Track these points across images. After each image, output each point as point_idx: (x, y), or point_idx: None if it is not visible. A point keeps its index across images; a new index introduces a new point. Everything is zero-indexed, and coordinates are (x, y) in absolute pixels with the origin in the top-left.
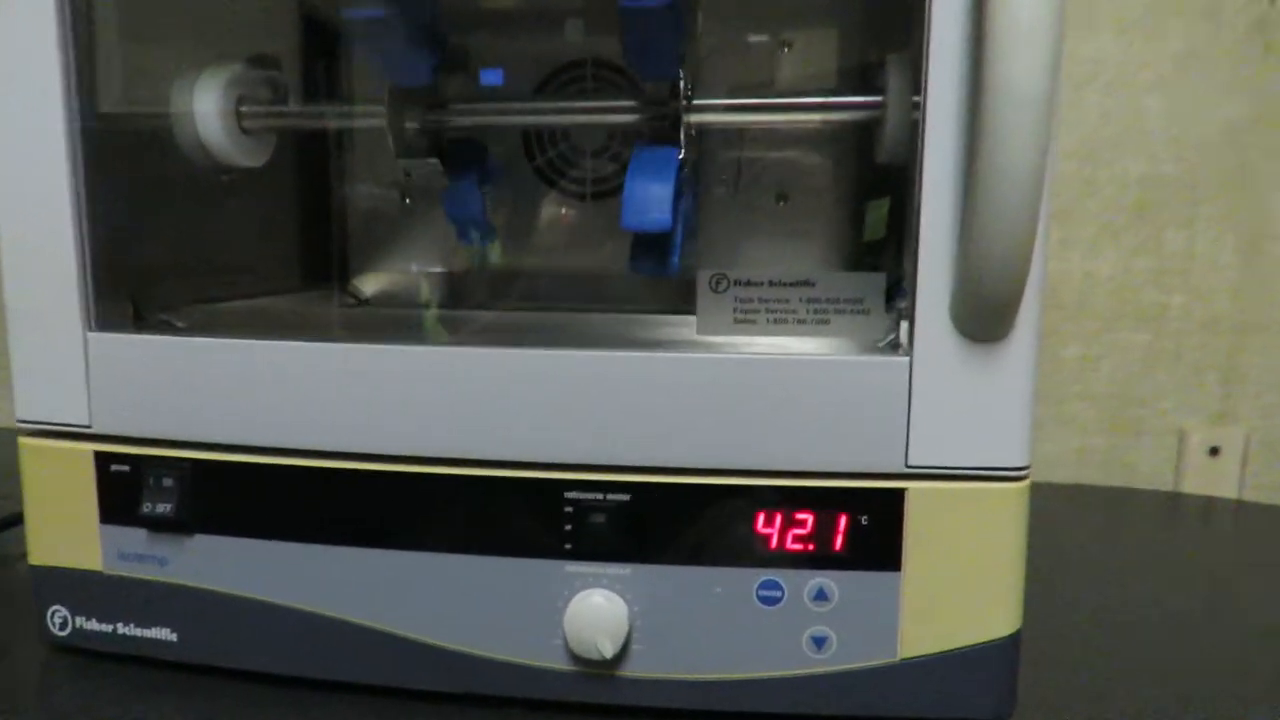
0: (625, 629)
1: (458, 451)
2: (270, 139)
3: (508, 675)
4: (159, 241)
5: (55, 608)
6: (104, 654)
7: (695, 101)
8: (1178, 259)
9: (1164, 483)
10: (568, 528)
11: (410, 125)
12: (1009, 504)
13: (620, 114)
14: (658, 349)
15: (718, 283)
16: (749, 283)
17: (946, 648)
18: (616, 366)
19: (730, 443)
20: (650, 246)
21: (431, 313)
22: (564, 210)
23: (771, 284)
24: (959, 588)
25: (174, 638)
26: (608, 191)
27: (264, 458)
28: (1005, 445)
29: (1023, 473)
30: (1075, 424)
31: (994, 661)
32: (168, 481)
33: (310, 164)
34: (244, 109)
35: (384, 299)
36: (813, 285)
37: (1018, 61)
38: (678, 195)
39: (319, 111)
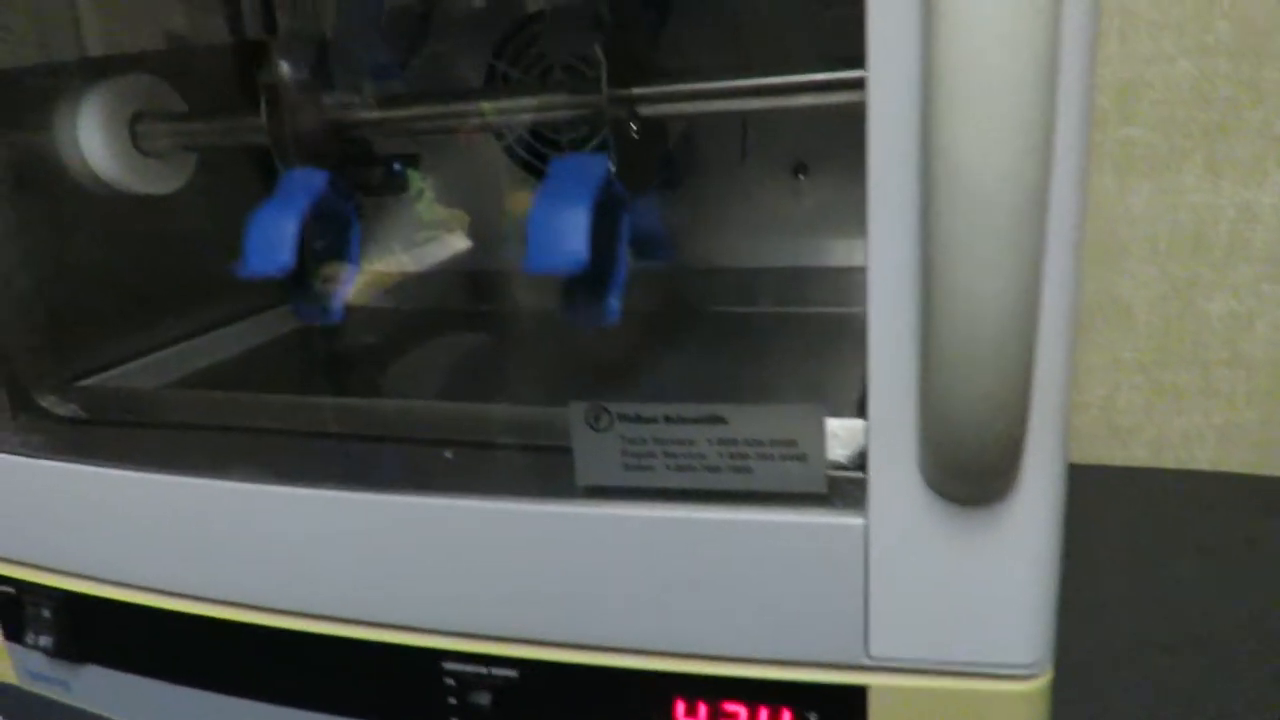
0: None
1: (317, 607)
2: (185, 159)
3: None
4: (58, 301)
5: None
6: None
7: (635, 92)
8: None
9: None
10: (451, 701)
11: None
12: (1010, 711)
13: (532, 111)
14: (544, 500)
15: (597, 418)
16: (638, 418)
17: None
18: (491, 520)
19: (633, 617)
20: (578, 290)
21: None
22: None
23: (669, 420)
24: None
25: None
26: None
27: (130, 594)
28: (1004, 636)
29: (1030, 670)
30: (1221, 395)
31: None
32: (45, 612)
33: (262, 168)
34: (140, 128)
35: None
36: (725, 422)
37: (968, 130)
38: (610, 215)
39: (236, 127)
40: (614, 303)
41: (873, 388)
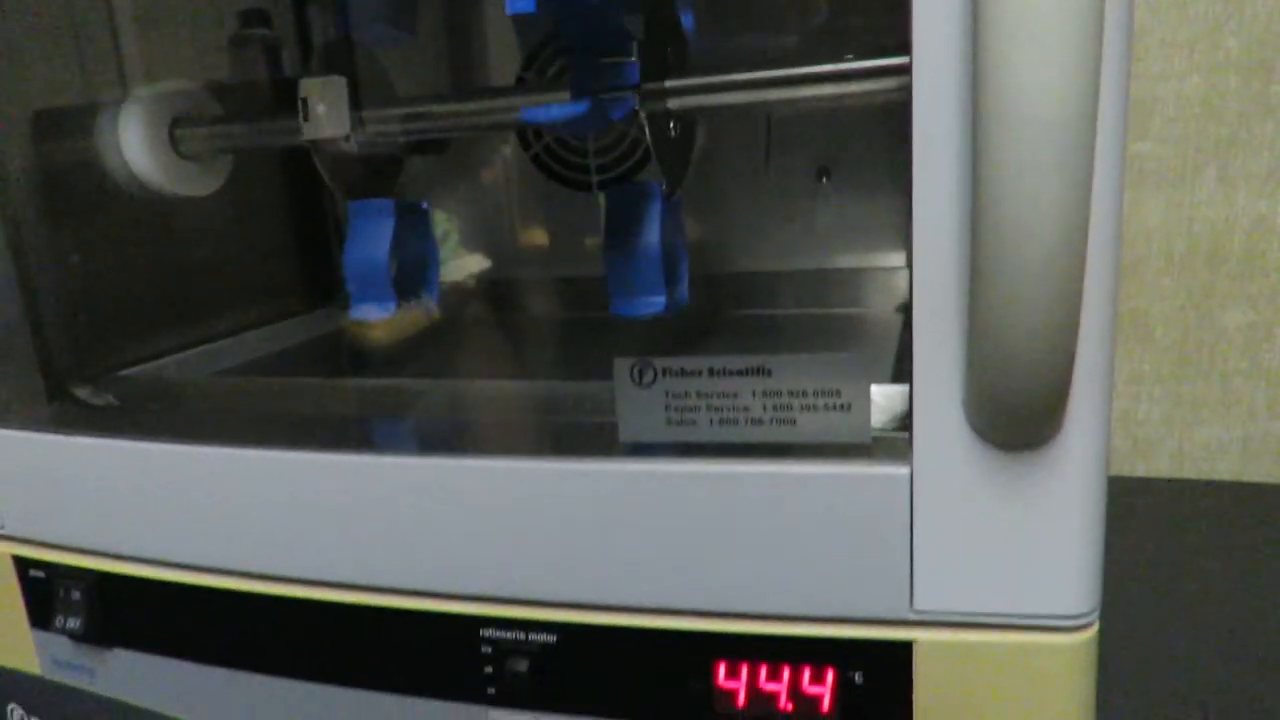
0: None
1: (355, 578)
2: (223, 162)
3: None
4: (96, 296)
5: (11, 705)
6: None
7: (667, 85)
8: None
9: None
10: (487, 670)
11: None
12: (1060, 663)
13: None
14: (579, 458)
15: (641, 374)
16: (683, 372)
17: None
18: (529, 480)
19: (673, 577)
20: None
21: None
22: (569, 205)
23: (713, 373)
24: None
25: None
26: (619, 178)
27: (164, 572)
28: (1051, 586)
29: (1080, 621)
30: (1240, 406)
31: None
32: (75, 594)
33: (299, 174)
34: (179, 131)
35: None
36: (769, 374)
37: (1021, 64)
38: (665, 228)
39: (272, 129)
40: (667, 295)
41: (917, 332)
